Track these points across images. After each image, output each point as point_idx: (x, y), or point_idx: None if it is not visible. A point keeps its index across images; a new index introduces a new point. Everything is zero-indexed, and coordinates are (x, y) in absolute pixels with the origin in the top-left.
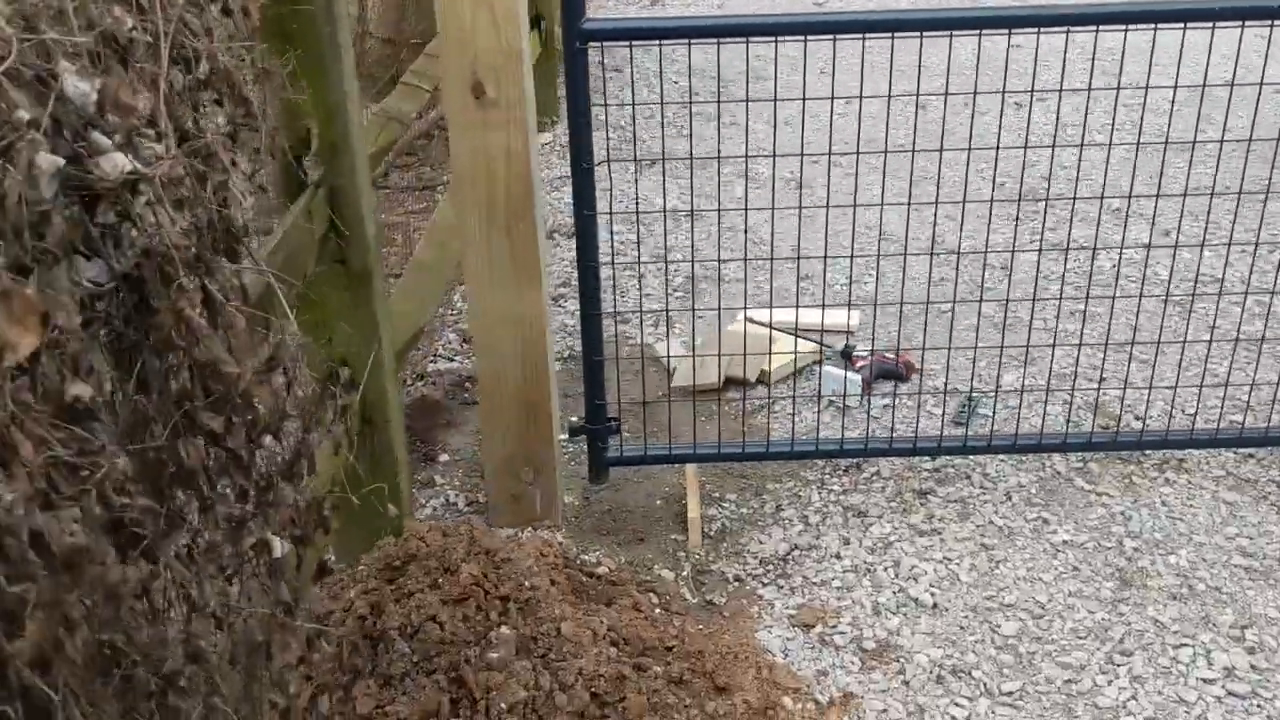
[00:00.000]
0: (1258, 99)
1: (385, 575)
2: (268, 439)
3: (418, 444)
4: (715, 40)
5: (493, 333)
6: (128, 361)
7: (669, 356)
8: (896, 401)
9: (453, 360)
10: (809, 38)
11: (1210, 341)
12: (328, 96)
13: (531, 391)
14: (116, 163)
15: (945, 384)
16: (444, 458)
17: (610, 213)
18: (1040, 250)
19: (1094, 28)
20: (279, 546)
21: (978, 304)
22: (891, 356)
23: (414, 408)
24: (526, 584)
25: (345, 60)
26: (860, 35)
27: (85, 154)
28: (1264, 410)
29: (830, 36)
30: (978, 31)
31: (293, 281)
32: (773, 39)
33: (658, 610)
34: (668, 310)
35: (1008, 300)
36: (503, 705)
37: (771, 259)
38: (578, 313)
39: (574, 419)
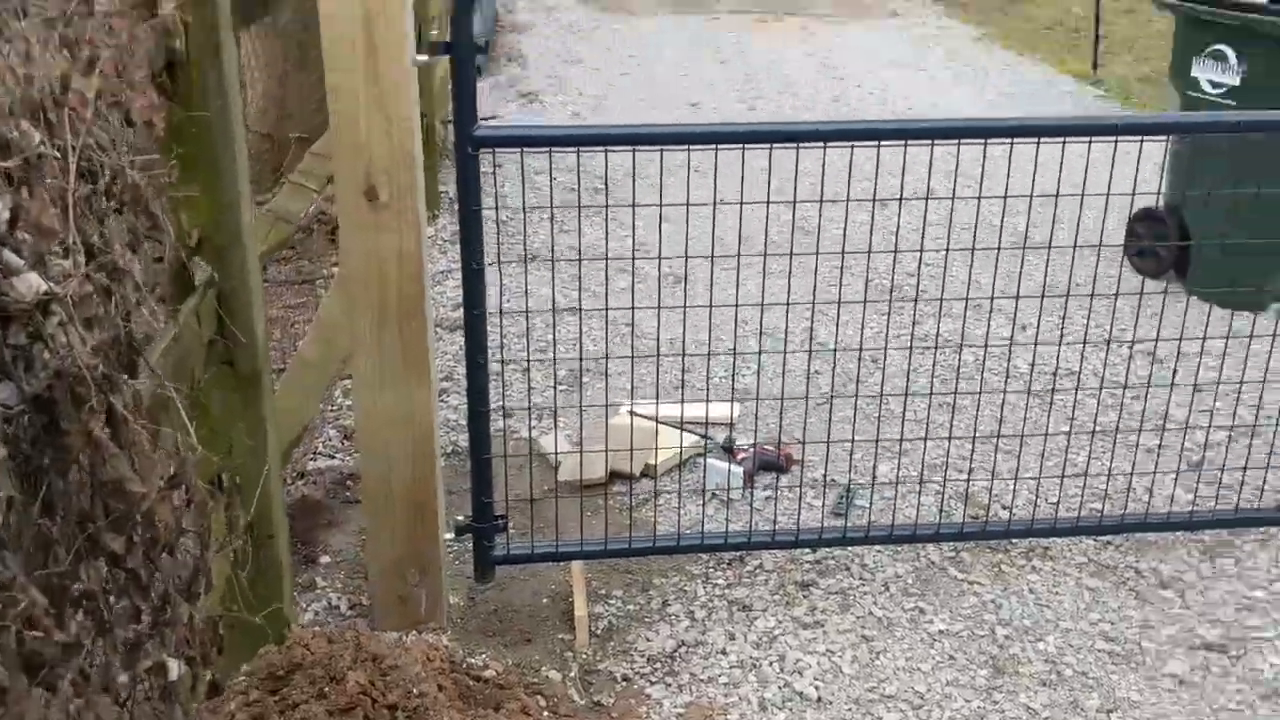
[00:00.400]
0: (1105, 207)
1: (268, 686)
2: (165, 557)
3: (299, 545)
4: (602, 149)
5: (380, 434)
6: (32, 485)
7: (555, 452)
8: (777, 494)
9: (333, 458)
10: (691, 147)
11: (1069, 433)
12: (221, 197)
13: (419, 491)
14: (31, 283)
15: (824, 475)
16: (325, 559)
17: (500, 312)
18: (910, 346)
19: (956, 141)
20: (175, 668)
21: (853, 399)
22: (772, 449)
23: (295, 508)
24: (414, 691)
25: (240, 160)
26: (740, 145)
27: None
28: (1120, 498)
29: (712, 146)
30: (850, 144)
31: (176, 389)
32: (658, 148)
33: (546, 714)
34: (555, 406)
35: (881, 395)
36: None
37: (658, 356)
38: (461, 408)
39: (460, 517)
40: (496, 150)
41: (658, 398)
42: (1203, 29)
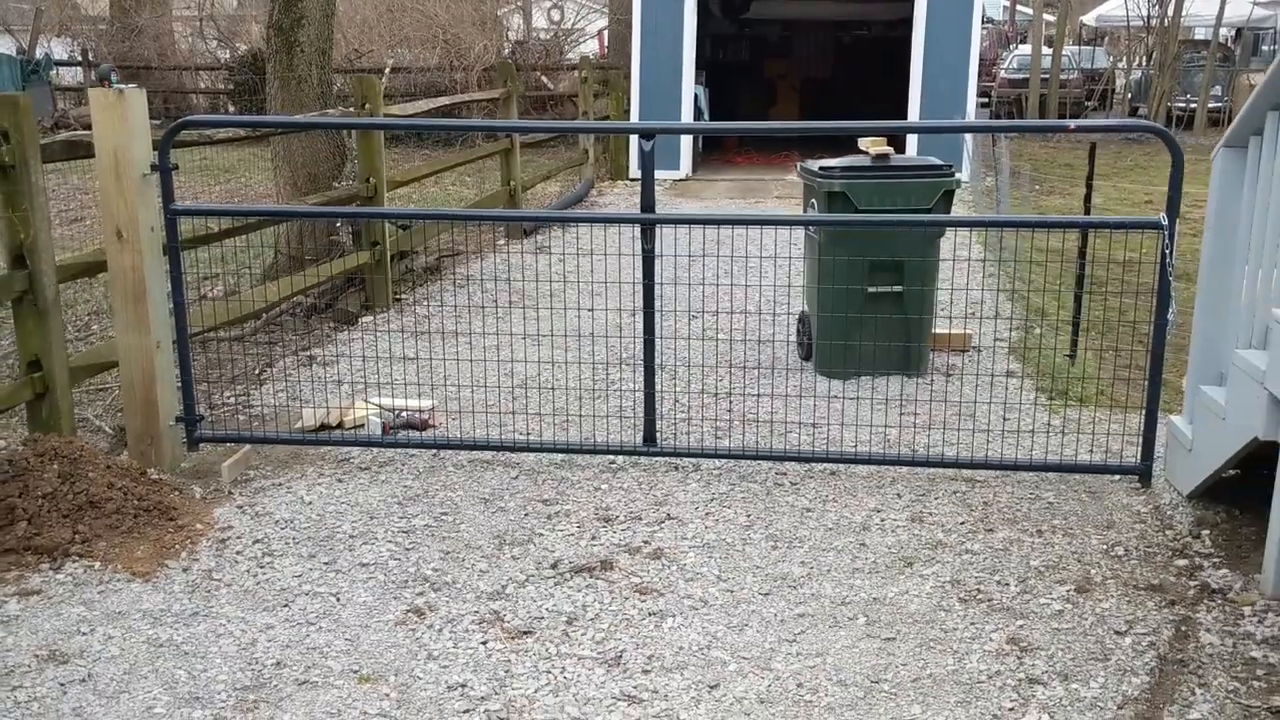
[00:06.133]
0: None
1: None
2: None
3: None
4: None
5: (126, 357)
6: None
7: (305, 414)
8: (397, 435)
9: None
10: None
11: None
12: (36, 224)
13: (148, 392)
14: None
15: (439, 429)
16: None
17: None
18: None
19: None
20: None
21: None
22: (417, 415)
23: None
24: (89, 467)
25: (39, 211)
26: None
27: None
28: None
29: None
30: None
31: None
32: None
33: (160, 489)
34: (322, 403)
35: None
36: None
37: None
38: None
39: (179, 412)
40: (185, 215)
41: (400, 395)
42: (807, 190)
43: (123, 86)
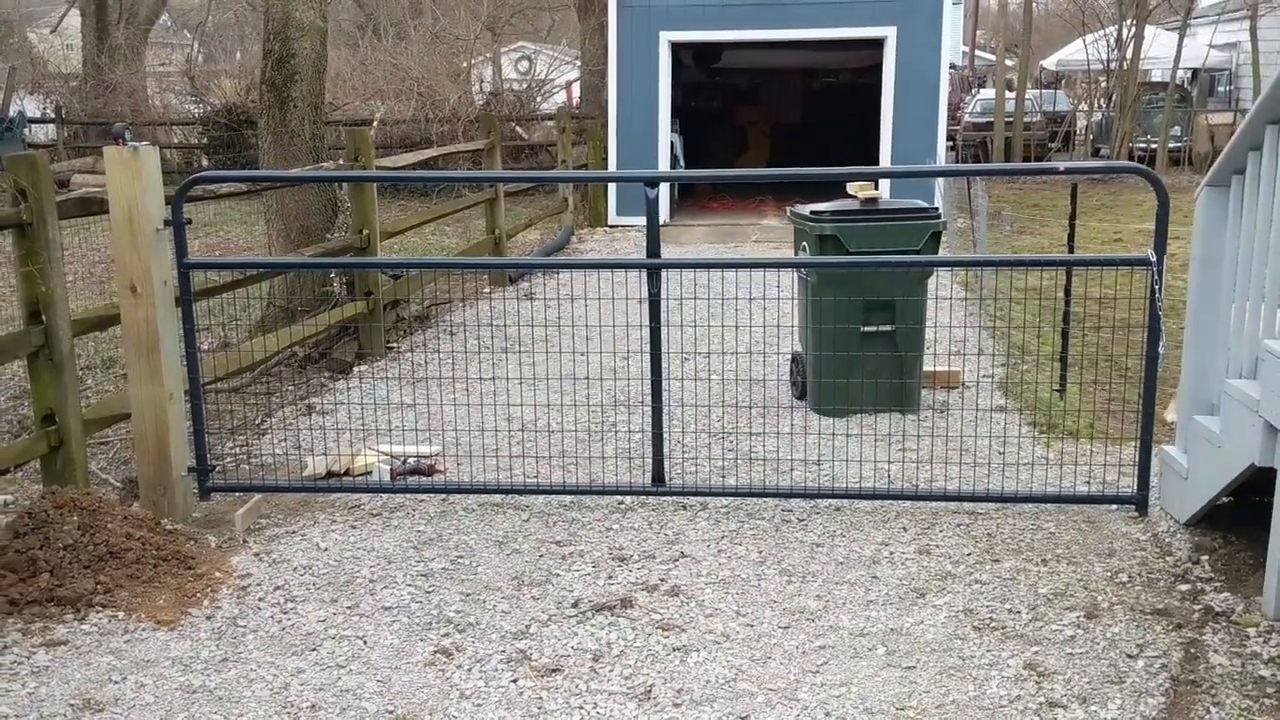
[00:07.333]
0: None
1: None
2: None
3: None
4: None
5: (139, 409)
6: None
7: (311, 463)
8: (407, 480)
9: None
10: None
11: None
12: (52, 278)
13: (161, 443)
14: None
15: (457, 476)
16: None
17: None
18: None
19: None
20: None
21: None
22: (425, 461)
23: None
24: (106, 517)
25: (56, 267)
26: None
27: None
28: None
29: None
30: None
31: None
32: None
33: (176, 539)
34: (326, 450)
35: (523, 430)
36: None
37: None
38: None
39: (191, 463)
40: (198, 268)
41: (403, 440)
42: (798, 234)
43: (136, 144)
